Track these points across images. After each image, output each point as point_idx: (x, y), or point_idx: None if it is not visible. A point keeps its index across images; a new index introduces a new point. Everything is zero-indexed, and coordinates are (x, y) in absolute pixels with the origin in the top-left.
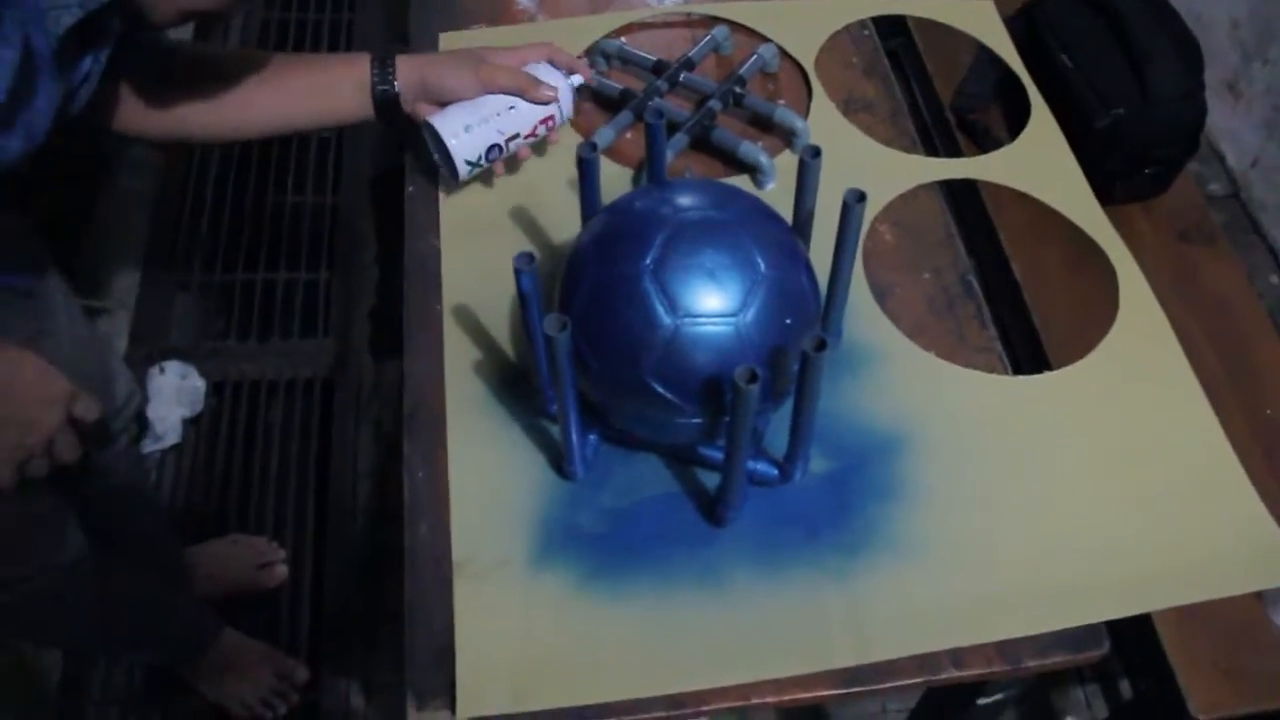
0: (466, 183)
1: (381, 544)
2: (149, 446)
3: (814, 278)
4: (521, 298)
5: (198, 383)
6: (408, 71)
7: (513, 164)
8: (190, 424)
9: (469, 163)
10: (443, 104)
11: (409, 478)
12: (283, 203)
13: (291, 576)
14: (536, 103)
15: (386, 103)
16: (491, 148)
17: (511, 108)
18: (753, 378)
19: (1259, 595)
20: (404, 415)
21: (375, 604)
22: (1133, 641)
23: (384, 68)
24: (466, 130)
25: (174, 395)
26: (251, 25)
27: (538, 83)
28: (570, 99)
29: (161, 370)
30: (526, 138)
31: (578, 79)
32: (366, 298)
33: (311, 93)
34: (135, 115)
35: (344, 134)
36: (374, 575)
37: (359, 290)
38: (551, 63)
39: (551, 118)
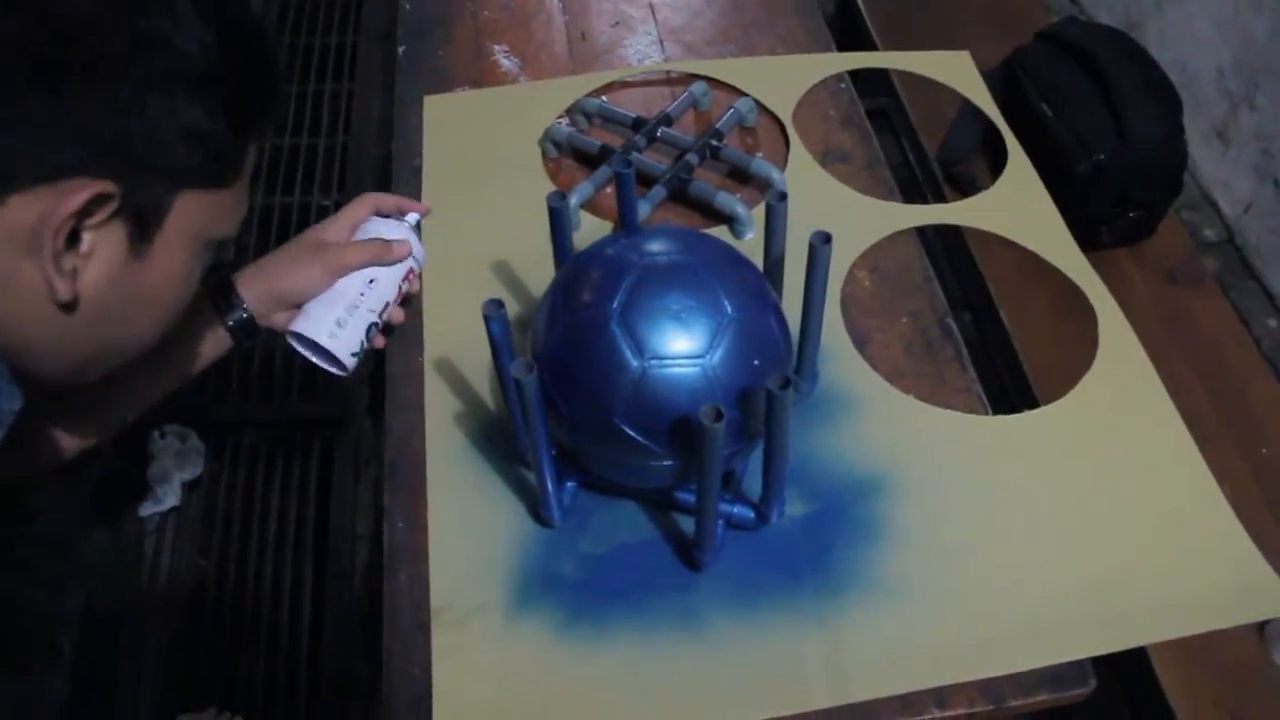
0: (446, 242)
1: (380, 604)
2: (148, 509)
3: (783, 321)
4: (492, 344)
5: (197, 444)
6: (252, 290)
7: (491, 224)
8: (189, 486)
9: (354, 354)
10: (298, 305)
11: (389, 528)
12: None
13: (290, 635)
14: (393, 264)
15: (243, 328)
16: (369, 328)
17: (372, 281)
18: (718, 416)
19: (1261, 635)
20: (384, 466)
21: (374, 662)
22: (1134, 684)
23: (226, 298)
24: (340, 325)
25: (173, 459)
26: None
27: (386, 244)
28: (418, 241)
29: (161, 435)
30: (396, 301)
31: (414, 216)
32: (365, 361)
33: (174, 353)
34: (28, 458)
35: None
36: (373, 634)
37: None
38: (380, 212)
39: (410, 270)
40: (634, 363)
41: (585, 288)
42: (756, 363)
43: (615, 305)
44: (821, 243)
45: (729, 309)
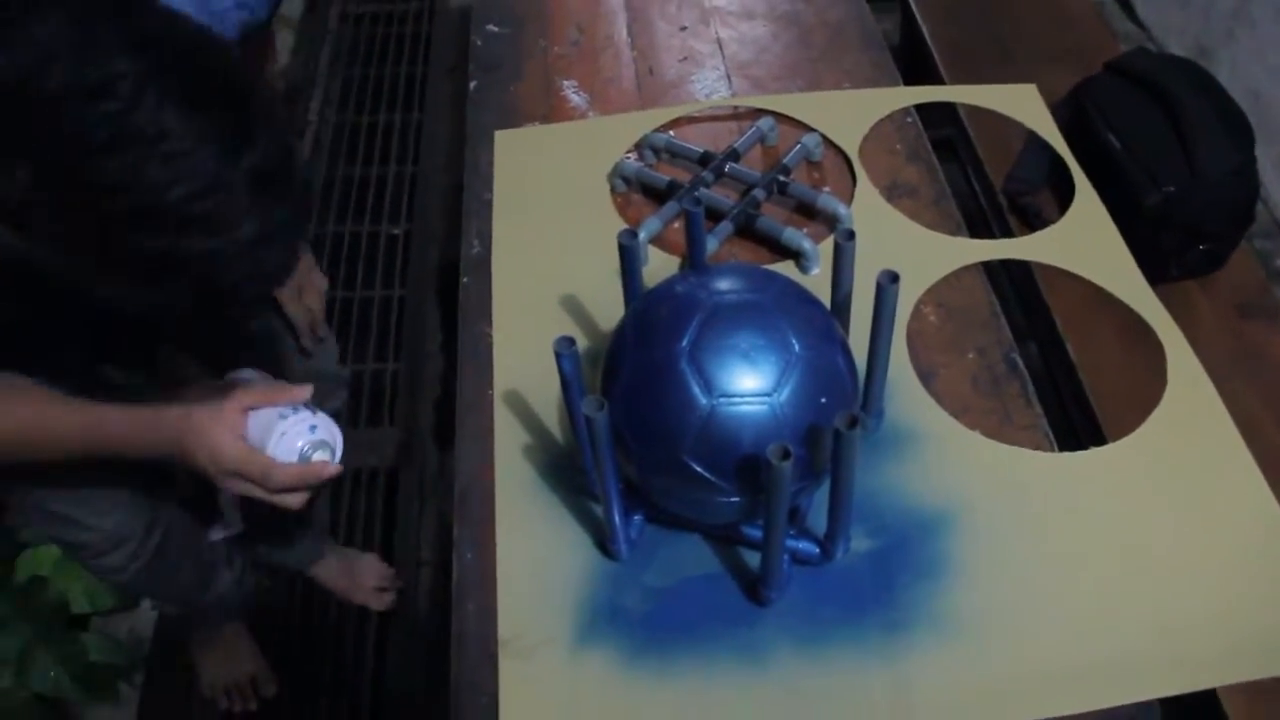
0: (516, 276)
1: (444, 629)
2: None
3: (850, 358)
4: (563, 380)
5: None
6: None
7: (560, 258)
8: None
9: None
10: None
11: (458, 558)
12: (351, 297)
13: (354, 659)
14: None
15: None
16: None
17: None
18: (785, 455)
19: None
20: (455, 497)
21: (437, 687)
22: (1198, 713)
23: None
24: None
25: None
26: (325, 129)
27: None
28: (332, 428)
29: None
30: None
31: (305, 392)
32: (431, 388)
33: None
34: None
35: (413, 228)
36: (436, 660)
37: (424, 379)
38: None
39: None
40: (703, 400)
41: (655, 326)
42: (824, 400)
43: (685, 344)
44: (889, 282)
45: (797, 347)
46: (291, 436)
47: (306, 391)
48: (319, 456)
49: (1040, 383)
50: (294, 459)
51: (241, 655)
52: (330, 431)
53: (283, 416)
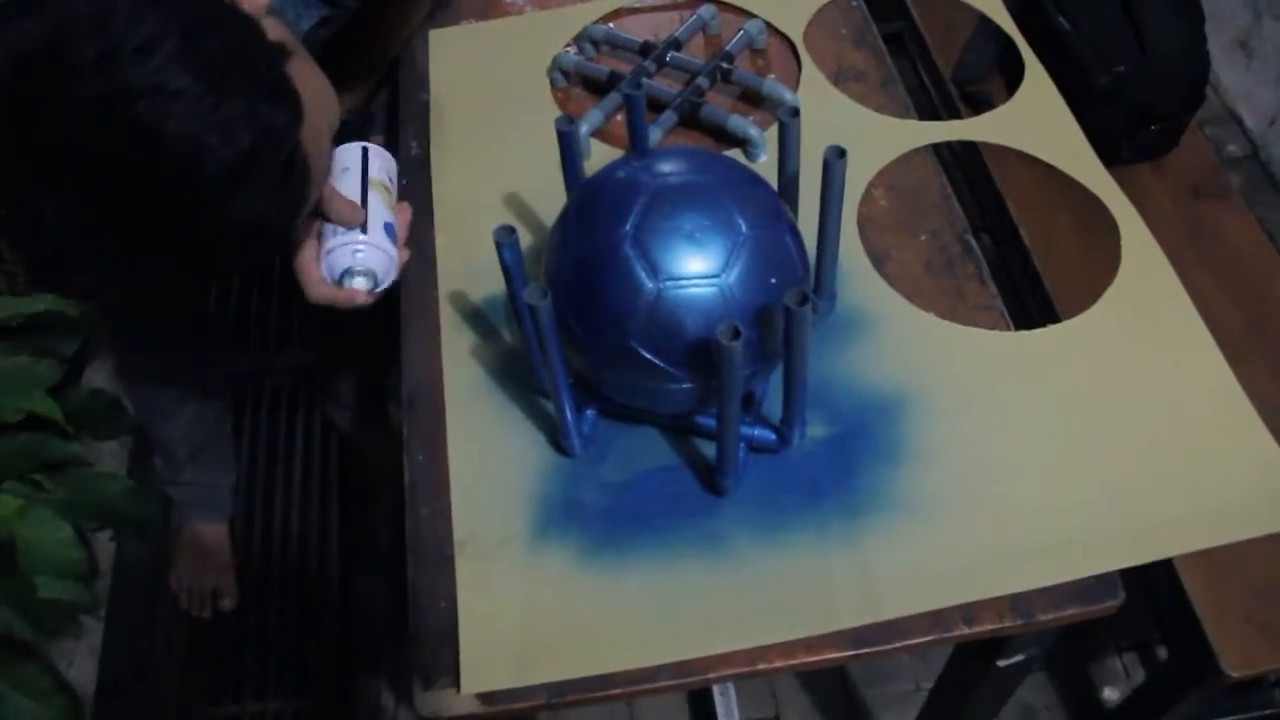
0: (456, 177)
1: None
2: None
3: (799, 239)
4: (505, 271)
5: None
6: None
7: (501, 156)
8: None
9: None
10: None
11: (409, 462)
12: None
13: (319, 573)
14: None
15: None
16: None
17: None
18: (735, 334)
19: None
20: (402, 401)
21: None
22: (1164, 603)
23: None
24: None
25: None
26: None
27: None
28: (379, 255)
29: None
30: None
31: (356, 215)
32: None
33: None
34: None
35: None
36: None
37: None
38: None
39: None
40: (649, 285)
41: (597, 211)
42: (773, 281)
43: (628, 228)
44: (836, 157)
45: (744, 227)
46: (335, 257)
47: (357, 215)
48: (357, 283)
49: (995, 271)
50: (330, 279)
51: (213, 563)
52: (376, 258)
53: (335, 233)
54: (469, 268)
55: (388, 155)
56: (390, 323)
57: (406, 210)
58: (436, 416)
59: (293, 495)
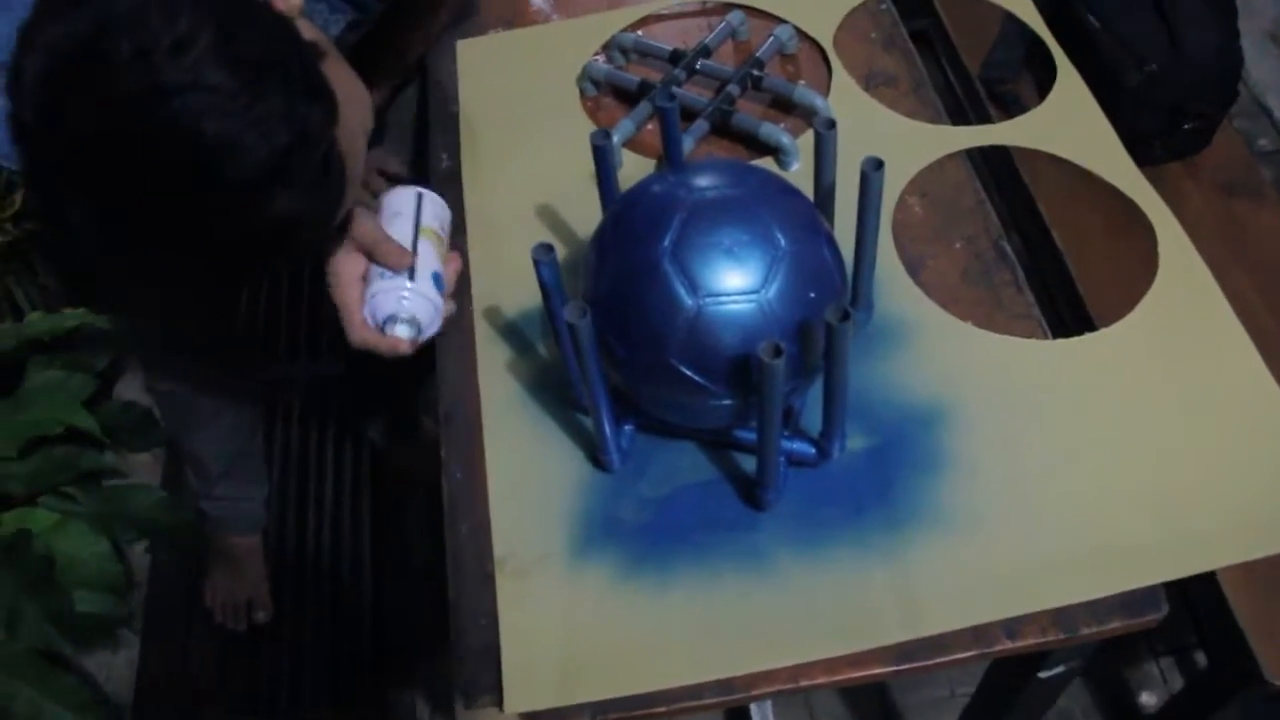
0: (488, 189)
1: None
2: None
3: (837, 250)
4: (543, 289)
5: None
6: None
7: (533, 167)
8: None
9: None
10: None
11: (447, 479)
12: None
13: (352, 584)
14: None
15: None
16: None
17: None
18: (777, 352)
19: None
20: (440, 418)
21: (437, 613)
22: (1204, 610)
23: None
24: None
25: None
26: None
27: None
28: (425, 303)
29: None
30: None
31: (405, 259)
32: None
33: None
34: None
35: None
36: (434, 583)
37: None
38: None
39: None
40: (688, 301)
41: (635, 227)
42: (812, 295)
43: (666, 244)
44: (873, 169)
45: (782, 241)
46: (380, 301)
47: (405, 259)
48: (399, 331)
49: (1027, 273)
50: (373, 324)
51: (246, 576)
52: (421, 306)
53: (381, 277)
54: (503, 281)
55: (442, 203)
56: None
57: (456, 261)
58: (473, 432)
59: (324, 505)
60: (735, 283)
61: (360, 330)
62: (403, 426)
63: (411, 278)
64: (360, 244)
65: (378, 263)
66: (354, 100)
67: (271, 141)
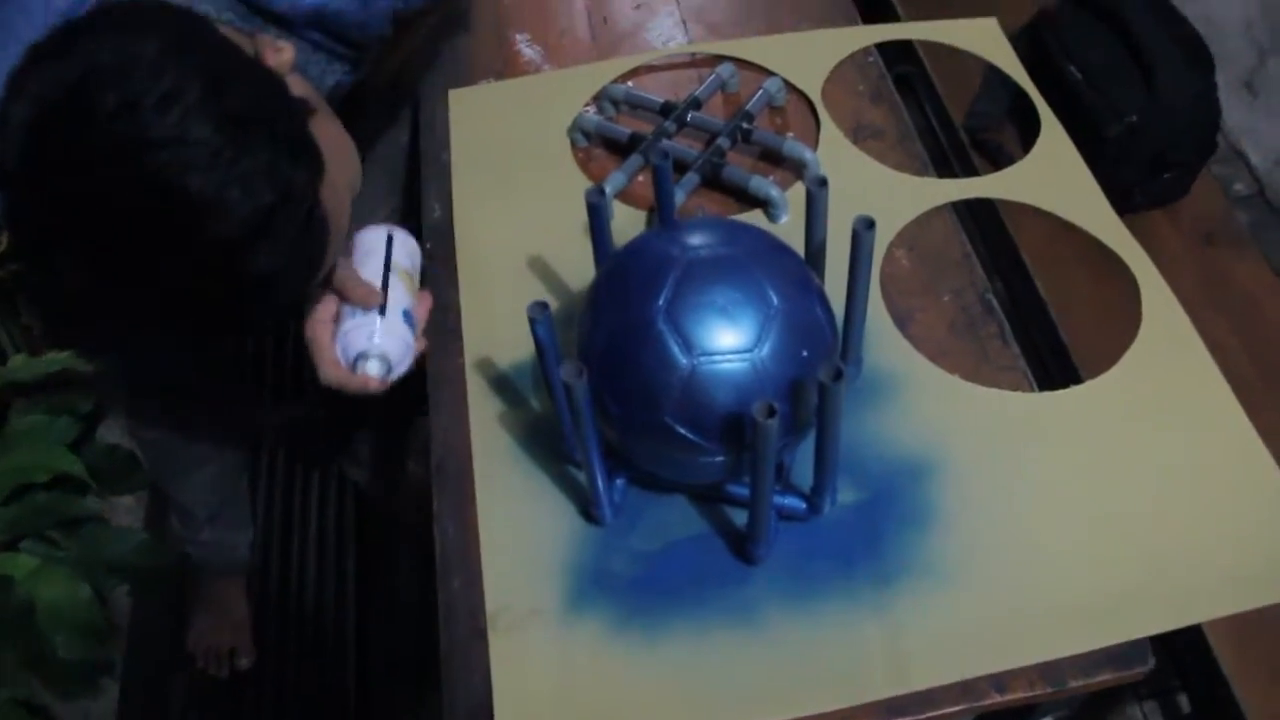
0: (480, 239)
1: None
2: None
3: (829, 308)
4: (538, 346)
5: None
6: None
7: (525, 218)
8: None
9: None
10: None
11: (439, 533)
12: None
13: (336, 629)
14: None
15: None
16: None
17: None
18: (771, 413)
19: None
20: (431, 469)
21: (424, 654)
22: (1187, 655)
23: None
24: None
25: None
26: None
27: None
28: (396, 340)
29: None
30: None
31: (375, 298)
32: None
33: None
34: None
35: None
36: (420, 625)
37: None
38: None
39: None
40: (683, 360)
41: (629, 286)
42: (805, 353)
43: (661, 303)
44: (865, 228)
45: (774, 300)
46: (351, 339)
47: (375, 298)
48: (370, 368)
49: (1013, 325)
50: (345, 362)
51: (230, 621)
52: (392, 344)
53: (352, 315)
54: (495, 332)
55: (414, 242)
56: (408, 380)
57: (428, 299)
58: (465, 485)
59: (309, 547)
60: (729, 341)
61: (331, 368)
62: (389, 470)
63: (382, 314)
64: (332, 284)
65: (349, 302)
66: (341, 158)
67: (255, 199)
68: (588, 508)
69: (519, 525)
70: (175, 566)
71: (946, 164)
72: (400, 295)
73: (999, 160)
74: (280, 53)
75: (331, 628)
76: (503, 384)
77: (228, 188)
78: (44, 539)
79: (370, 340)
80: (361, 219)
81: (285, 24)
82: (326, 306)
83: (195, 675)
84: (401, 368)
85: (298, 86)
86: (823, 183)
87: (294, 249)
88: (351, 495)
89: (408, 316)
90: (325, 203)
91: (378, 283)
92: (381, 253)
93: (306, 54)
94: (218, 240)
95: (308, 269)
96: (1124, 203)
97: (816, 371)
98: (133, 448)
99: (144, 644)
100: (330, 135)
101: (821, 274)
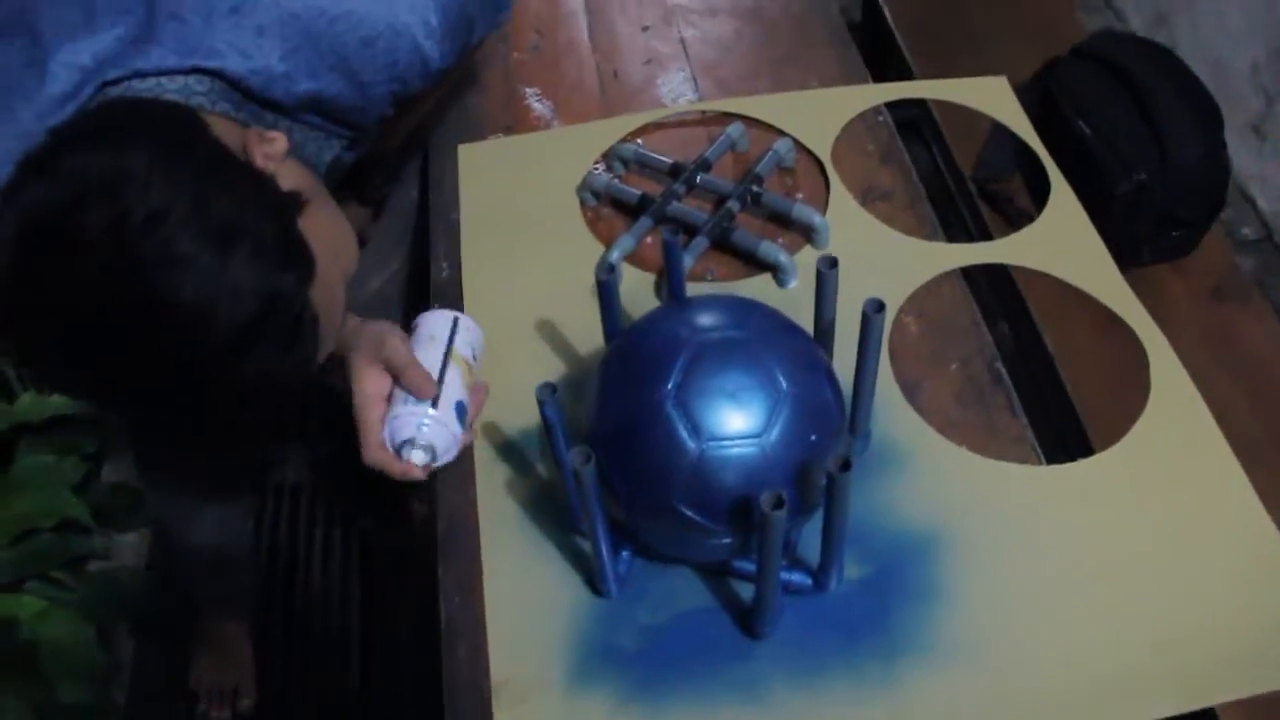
0: (489, 299)
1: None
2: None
3: (837, 386)
4: (547, 427)
5: None
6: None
7: (533, 278)
8: None
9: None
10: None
11: (445, 602)
12: None
13: (339, 669)
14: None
15: None
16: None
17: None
18: (779, 504)
19: None
20: (438, 540)
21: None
22: None
23: None
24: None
25: None
26: None
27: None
28: (443, 432)
29: None
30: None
31: (430, 389)
32: None
33: None
34: None
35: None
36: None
37: None
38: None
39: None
40: (691, 445)
41: (638, 368)
42: (813, 437)
43: (670, 387)
44: (874, 311)
45: (784, 384)
46: (399, 425)
47: (430, 389)
48: (415, 456)
49: (1022, 389)
50: (390, 445)
51: (233, 661)
52: (439, 435)
53: (404, 401)
54: (503, 398)
55: (477, 330)
56: None
57: (482, 391)
58: (471, 552)
59: (313, 586)
60: (738, 426)
61: (376, 451)
62: (392, 510)
63: (435, 405)
64: (389, 365)
65: (403, 386)
66: (334, 248)
67: (242, 309)
68: (593, 580)
69: (525, 595)
70: (178, 606)
71: (955, 213)
72: (455, 387)
73: (1006, 210)
74: (272, 143)
75: (335, 668)
76: (510, 451)
77: (215, 300)
78: (48, 579)
79: (419, 429)
80: (372, 270)
81: (281, 110)
82: (378, 383)
83: (198, 715)
84: (446, 458)
85: (290, 176)
86: (833, 263)
87: (283, 352)
88: (357, 535)
89: (460, 408)
90: (316, 301)
91: (436, 368)
92: (444, 340)
93: (304, 133)
94: (205, 348)
95: (299, 367)
96: (1132, 258)
97: (825, 454)
98: (138, 485)
99: (146, 683)
100: (323, 226)
101: (831, 351)
